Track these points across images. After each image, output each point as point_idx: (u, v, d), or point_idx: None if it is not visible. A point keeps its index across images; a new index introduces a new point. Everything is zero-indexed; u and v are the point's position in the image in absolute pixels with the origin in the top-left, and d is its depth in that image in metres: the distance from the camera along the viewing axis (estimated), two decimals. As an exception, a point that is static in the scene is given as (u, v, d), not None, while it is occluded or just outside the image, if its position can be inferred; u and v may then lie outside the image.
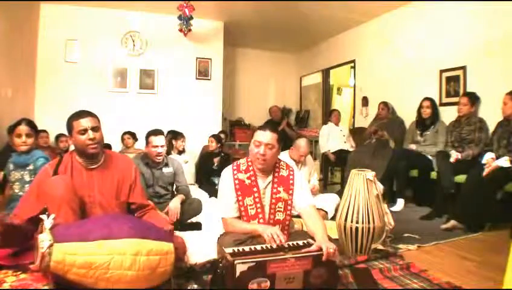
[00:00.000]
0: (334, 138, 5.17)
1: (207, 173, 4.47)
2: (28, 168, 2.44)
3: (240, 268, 1.40)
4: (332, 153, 5.12)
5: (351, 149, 5.02)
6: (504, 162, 2.80)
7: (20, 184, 2.44)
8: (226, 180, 1.93)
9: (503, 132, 3.05)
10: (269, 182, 1.93)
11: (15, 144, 2.48)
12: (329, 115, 5.45)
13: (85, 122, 1.83)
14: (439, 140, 3.72)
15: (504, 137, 3.01)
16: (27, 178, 2.43)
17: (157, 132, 2.86)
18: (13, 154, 2.51)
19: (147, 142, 2.86)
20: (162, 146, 2.82)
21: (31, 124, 2.52)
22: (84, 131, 1.83)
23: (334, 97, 7.12)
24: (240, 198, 1.88)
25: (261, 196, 1.89)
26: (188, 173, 4.55)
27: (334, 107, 5.76)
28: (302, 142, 3.26)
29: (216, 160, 4.49)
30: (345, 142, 5.16)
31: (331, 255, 1.52)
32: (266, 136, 1.86)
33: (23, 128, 2.44)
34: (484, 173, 2.81)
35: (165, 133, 4.83)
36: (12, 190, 2.48)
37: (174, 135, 4.69)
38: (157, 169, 2.89)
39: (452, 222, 2.84)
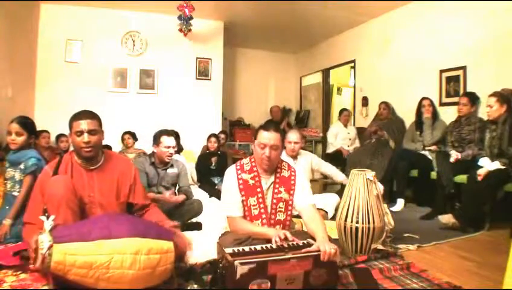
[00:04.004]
0: (339, 139, 5.19)
1: (206, 173, 4.48)
2: (19, 166, 2.41)
3: (241, 270, 1.39)
4: (333, 153, 5.13)
5: (351, 150, 5.03)
6: (494, 166, 2.83)
7: (11, 182, 2.42)
8: (230, 179, 1.93)
9: (491, 137, 3.06)
10: (271, 183, 1.93)
11: (7, 141, 2.48)
12: (339, 114, 5.40)
13: (82, 125, 1.81)
14: (436, 134, 3.76)
15: (494, 145, 3.03)
16: (17, 177, 2.41)
17: (169, 132, 2.88)
18: (10, 151, 2.49)
19: (158, 142, 2.83)
20: (173, 147, 2.85)
21: (22, 122, 2.46)
22: (80, 133, 1.81)
23: (334, 97, 7.12)
24: (244, 198, 1.89)
25: (264, 197, 1.90)
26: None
27: (344, 107, 5.58)
28: (289, 133, 3.22)
29: (213, 160, 4.49)
30: (348, 145, 5.15)
31: (331, 255, 1.52)
32: (271, 138, 1.86)
33: (13, 127, 2.42)
34: (479, 179, 2.82)
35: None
36: (5, 187, 2.47)
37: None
38: (162, 169, 2.91)
39: (449, 216, 2.85)
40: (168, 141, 2.81)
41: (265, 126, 1.93)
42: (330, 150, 5.24)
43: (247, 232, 1.80)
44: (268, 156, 1.85)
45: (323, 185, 3.99)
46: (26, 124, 2.48)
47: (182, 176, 3.00)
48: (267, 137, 1.86)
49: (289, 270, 1.46)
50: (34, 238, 1.42)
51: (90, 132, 1.82)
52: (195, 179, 4.60)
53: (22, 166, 2.40)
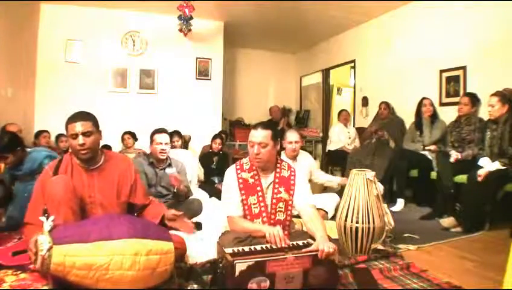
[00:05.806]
0: (341, 139, 5.19)
1: (207, 173, 4.48)
2: (36, 176, 2.43)
3: (239, 267, 1.40)
4: (335, 151, 5.13)
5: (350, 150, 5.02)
6: (495, 166, 2.82)
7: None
8: (230, 179, 1.94)
9: (492, 137, 3.06)
10: (271, 182, 1.94)
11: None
12: (338, 115, 5.42)
13: (76, 127, 1.80)
14: (436, 134, 3.75)
15: (495, 145, 3.02)
16: None
17: (160, 130, 2.97)
18: (13, 172, 2.55)
19: (152, 140, 2.93)
20: (165, 143, 2.89)
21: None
22: (75, 136, 1.80)
23: (334, 97, 7.12)
24: (244, 197, 1.90)
25: (264, 195, 1.91)
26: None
27: (343, 108, 5.57)
28: (288, 133, 3.16)
29: (215, 159, 4.50)
30: (348, 144, 5.15)
31: (329, 254, 1.52)
32: (258, 136, 1.88)
33: None
34: (480, 180, 2.81)
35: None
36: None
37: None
38: (160, 169, 2.92)
39: (451, 219, 2.85)
40: (159, 137, 2.89)
41: (255, 125, 1.96)
42: (332, 147, 5.23)
43: (244, 230, 1.82)
44: (257, 153, 1.86)
45: (323, 185, 3.98)
46: (6, 145, 2.48)
47: (181, 175, 3.00)
48: (255, 135, 1.89)
49: (288, 268, 1.47)
50: (33, 239, 1.42)
51: (85, 134, 1.81)
52: (202, 177, 4.56)
53: (37, 176, 2.43)
